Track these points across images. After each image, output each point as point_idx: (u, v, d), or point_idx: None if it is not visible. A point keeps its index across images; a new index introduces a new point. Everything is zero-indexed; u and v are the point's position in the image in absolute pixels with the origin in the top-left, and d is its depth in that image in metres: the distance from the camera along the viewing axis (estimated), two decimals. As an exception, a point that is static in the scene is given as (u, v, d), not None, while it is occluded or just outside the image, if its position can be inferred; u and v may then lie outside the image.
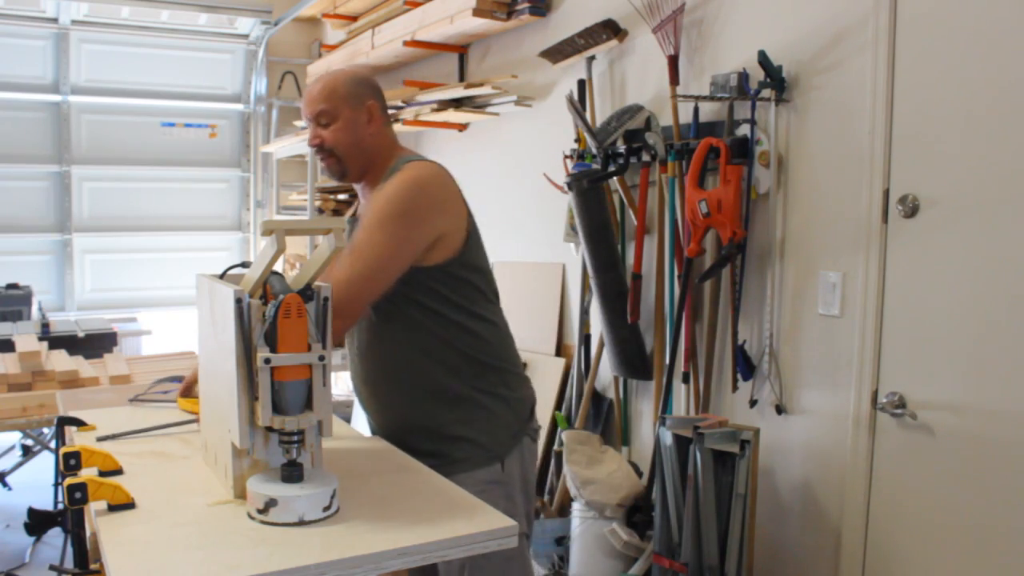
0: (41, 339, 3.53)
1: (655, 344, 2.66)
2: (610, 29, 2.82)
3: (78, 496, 1.38)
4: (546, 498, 3.13)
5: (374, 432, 1.87)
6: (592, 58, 2.96)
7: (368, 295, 1.63)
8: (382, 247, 1.61)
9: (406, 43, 3.83)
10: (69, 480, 1.44)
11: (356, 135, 1.75)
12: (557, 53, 3.07)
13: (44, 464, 3.80)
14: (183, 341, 4.21)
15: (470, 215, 1.74)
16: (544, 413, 3.18)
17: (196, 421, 1.87)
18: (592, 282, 2.77)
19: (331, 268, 1.54)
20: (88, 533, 1.41)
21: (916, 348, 1.96)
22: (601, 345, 2.90)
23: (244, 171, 5.80)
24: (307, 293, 1.42)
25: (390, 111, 3.97)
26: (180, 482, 1.58)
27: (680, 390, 2.58)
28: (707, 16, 2.51)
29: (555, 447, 3.04)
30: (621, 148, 2.69)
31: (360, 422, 4.45)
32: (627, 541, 2.44)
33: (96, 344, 3.84)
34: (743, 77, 2.31)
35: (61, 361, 3.16)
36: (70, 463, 1.52)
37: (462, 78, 3.90)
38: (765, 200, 2.32)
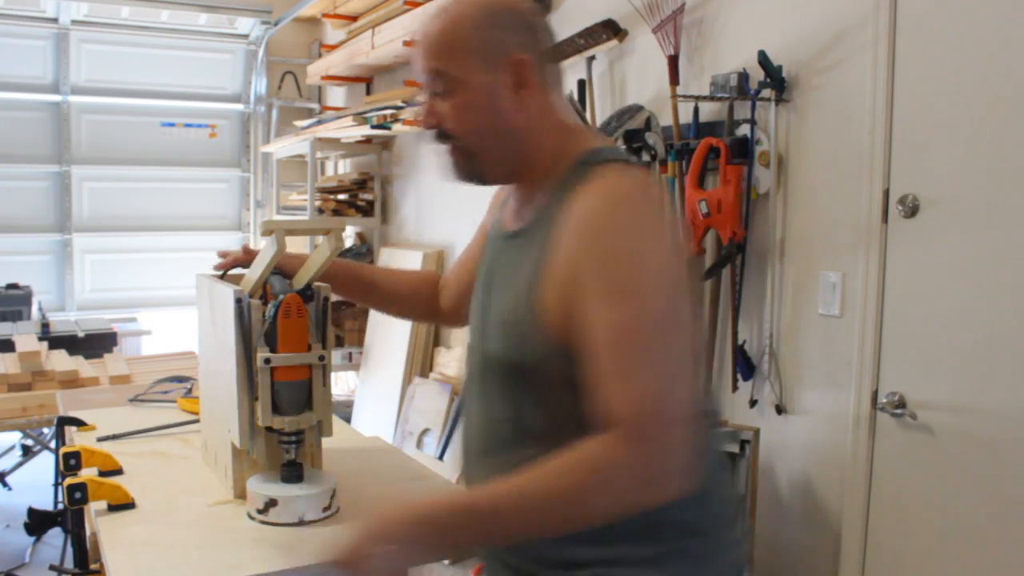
0: (41, 339, 3.53)
1: (655, 344, 2.66)
2: (610, 29, 2.82)
3: (78, 496, 1.39)
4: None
5: None
6: (592, 58, 2.96)
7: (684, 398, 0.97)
8: (668, 322, 0.98)
9: (406, 43, 3.83)
10: (69, 480, 1.44)
11: (494, 113, 1.10)
12: (557, 53, 3.07)
13: (44, 464, 3.80)
14: (183, 341, 4.21)
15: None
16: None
17: (196, 421, 1.87)
18: (592, 282, 2.76)
19: (604, 390, 0.96)
20: (88, 533, 1.41)
21: (916, 348, 1.96)
22: (601, 345, 2.89)
23: (244, 171, 5.80)
24: (307, 293, 1.42)
25: (384, 111, 3.99)
26: (180, 482, 1.58)
27: (680, 390, 2.57)
28: (707, 16, 2.51)
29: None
30: (621, 147, 2.69)
31: (360, 421, 4.46)
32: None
33: (96, 344, 3.84)
34: (743, 77, 2.31)
35: (61, 361, 3.16)
36: (70, 463, 1.52)
37: (462, 78, 3.90)
38: (765, 200, 2.32)
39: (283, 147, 5.08)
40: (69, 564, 3.05)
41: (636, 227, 0.98)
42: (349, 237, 5.03)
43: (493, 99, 1.09)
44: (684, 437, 0.92)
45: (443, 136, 1.13)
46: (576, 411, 0.99)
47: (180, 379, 2.40)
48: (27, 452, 3.82)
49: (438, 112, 1.13)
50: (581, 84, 2.99)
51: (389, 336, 4.34)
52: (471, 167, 1.14)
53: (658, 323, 0.95)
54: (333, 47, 4.86)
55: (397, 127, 4.04)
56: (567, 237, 1.01)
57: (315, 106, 5.73)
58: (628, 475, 0.92)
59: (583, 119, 2.79)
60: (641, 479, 0.92)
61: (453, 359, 3.98)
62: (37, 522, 2.98)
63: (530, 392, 1.06)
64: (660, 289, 0.97)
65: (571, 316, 0.99)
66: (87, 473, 1.53)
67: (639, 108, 2.65)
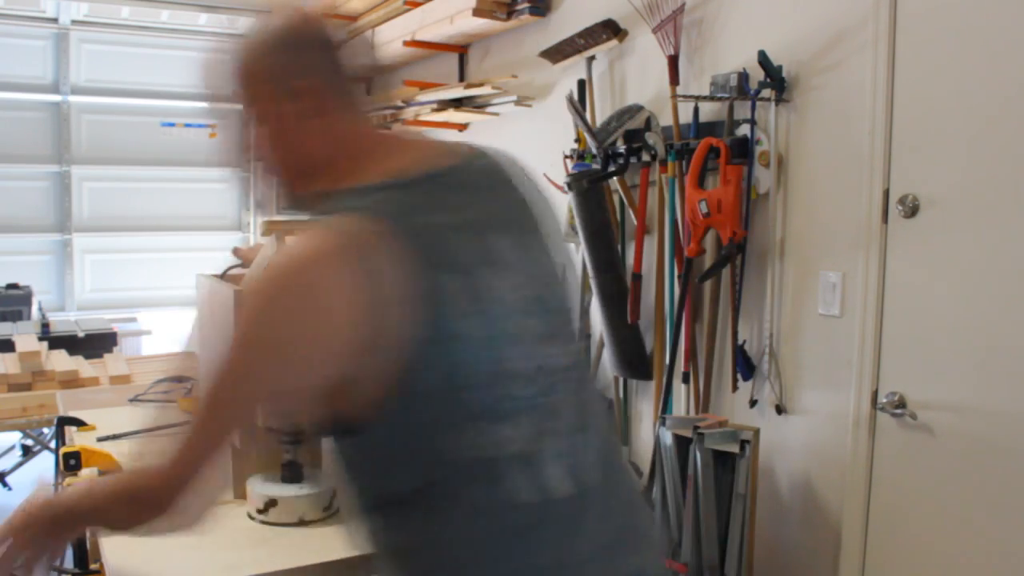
0: (41, 339, 3.53)
1: (655, 344, 2.66)
2: (610, 29, 2.82)
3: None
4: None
5: None
6: (592, 58, 2.96)
7: None
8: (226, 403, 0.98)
9: (406, 43, 3.83)
10: (69, 480, 1.44)
11: (279, 142, 1.06)
12: (557, 53, 3.07)
13: (44, 464, 3.80)
14: (183, 341, 4.20)
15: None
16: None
17: None
18: (592, 282, 2.77)
19: None
20: (88, 533, 1.40)
21: (916, 348, 1.96)
22: (601, 345, 2.90)
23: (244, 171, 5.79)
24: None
25: (384, 111, 4.00)
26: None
27: (680, 390, 2.58)
28: (707, 16, 2.51)
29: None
30: (621, 148, 2.69)
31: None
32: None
33: (96, 344, 3.84)
34: (743, 77, 2.31)
35: (61, 361, 3.16)
36: (70, 463, 1.52)
37: (462, 78, 3.90)
38: (765, 200, 2.32)
39: (283, 147, 5.07)
40: (69, 564, 3.05)
41: (255, 301, 0.91)
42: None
43: (274, 127, 1.05)
44: (200, 485, 0.95)
45: (242, 166, 1.12)
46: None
47: (180, 379, 2.40)
48: (27, 452, 3.82)
49: (242, 143, 1.10)
50: (581, 84, 2.99)
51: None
52: (281, 195, 1.11)
53: (217, 401, 0.93)
54: (333, 47, 4.85)
55: (397, 127, 4.04)
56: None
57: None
58: (147, 508, 0.98)
59: (583, 119, 2.79)
60: (151, 518, 0.98)
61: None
62: (37, 522, 2.98)
63: None
64: (236, 371, 0.91)
65: None
66: (87, 473, 1.53)
67: (639, 108, 2.65)
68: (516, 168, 1.12)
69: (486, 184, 1.06)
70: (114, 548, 1.28)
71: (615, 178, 2.73)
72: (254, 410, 0.97)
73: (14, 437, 3.94)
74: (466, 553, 0.95)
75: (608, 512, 1.01)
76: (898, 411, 1.99)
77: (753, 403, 2.36)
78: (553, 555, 0.95)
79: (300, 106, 1.03)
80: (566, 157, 2.99)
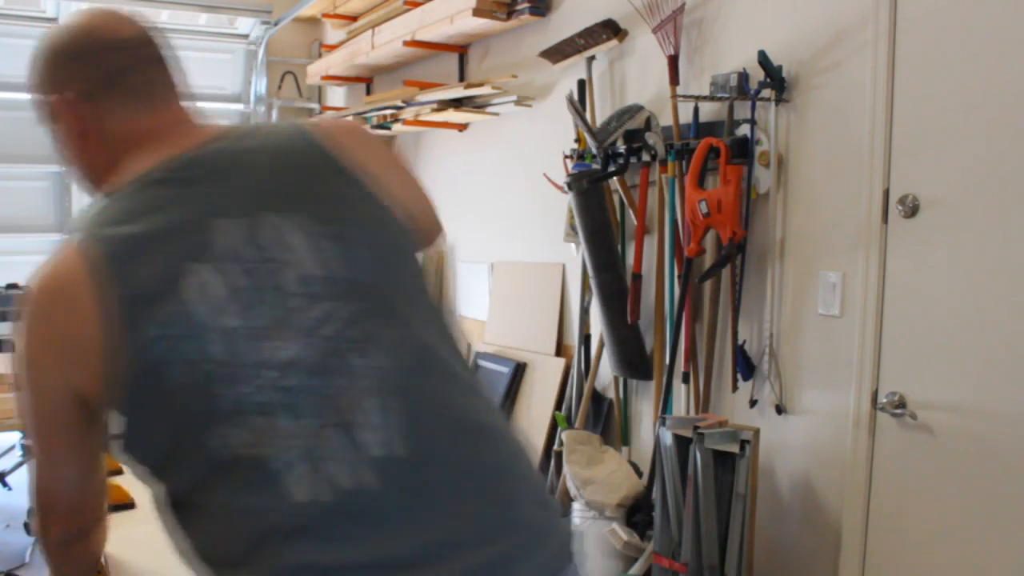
0: (41, 339, 3.53)
1: (655, 344, 2.66)
2: (610, 29, 2.82)
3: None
4: (546, 498, 3.13)
5: None
6: (592, 58, 2.96)
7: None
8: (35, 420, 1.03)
9: (406, 43, 3.83)
10: None
11: (61, 151, 1.10)
12: (557, 53, 3.07)
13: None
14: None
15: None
16: (544, 413, 3.18)
17: None
18: (592, 282, 2.77)
19: None
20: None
21: (916, 348, 1.96)
22: (601, 345, 2.90)
23: (244, 171, 5.80)
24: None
25: (384, 111, 4.00)
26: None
27: (680, 390, 2.58)
28: (707, 16, 2.51)
29: (555, 447, 3.04)
30: (621, 148, 2.69)
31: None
32: (627, 541, 2.44)
33: (96, 344, 3.84)
34: (743, 77, 2.31)
35: (61, 361, 3.15)
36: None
37: (462, 78, 3.90)
38: (765, 200, 2.32)
39: (283, 147, 5.07)
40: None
41: (20, 335, 0.96)
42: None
43: (59, 139, 1.08)
44: (65, 518, 1.07)
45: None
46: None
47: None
48: (27, 452, 3.81)
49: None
50: (581, 84, 2.99)
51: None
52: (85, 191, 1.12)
53: (34, 429, 0.99)
54: (333, 47, 4.86)
55: (397, 127, 4.04)
56: None
57: (315, 106, 5.74)
58: (40, 538, 1.10)
59: (583, 119, 2.79)
60: (42, 542, 1.10)
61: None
62: (37, 522, 2.98)
63: None
64: (30, 395, 0.96)
65: None
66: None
67: (639, 108, 2.65)
68: (306, 143, 1.04)
69: (221, 169, 1.00)
70: (114, 548, 1.28)
71: (615, 178, 2.73)
72: (58, 447, 1.00)
73: (14, 437, 3.94)
74: (226, 557, 0.92)
75: (414, 514, 0.90)
76: (898, 411, 1.99)
77: (753, 403, 2.36)
78: (301, 562, 0.88)
79: (62, 117, 1.05)
80: (566, 157, 2.99)
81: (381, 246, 1.00)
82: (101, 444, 1.00)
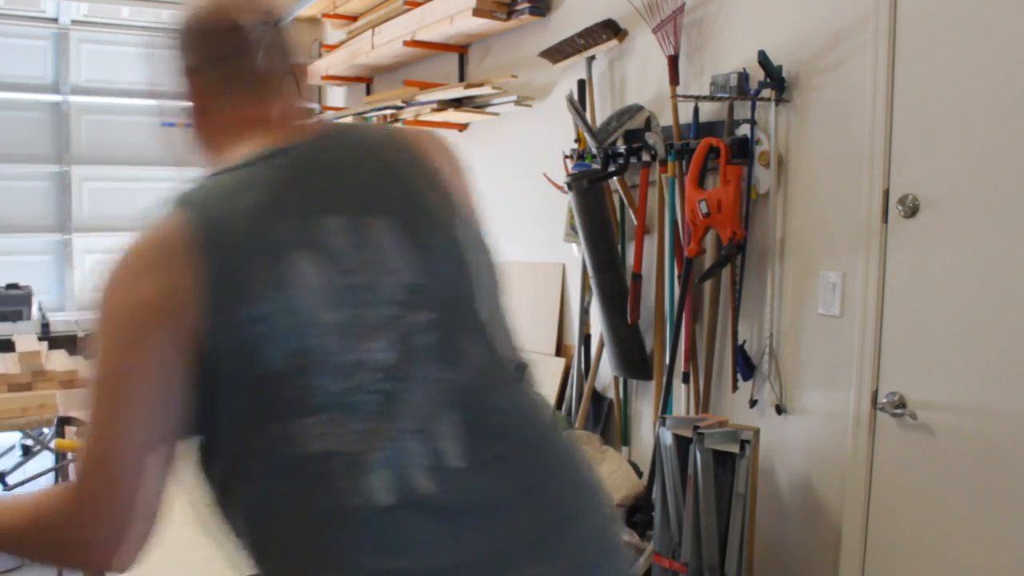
0: (41, 339, 3.54)
1: (655, 344, 2.66)
2: (610, 29, 2.82)
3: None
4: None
5: None
6: (592, 58, 2.96)
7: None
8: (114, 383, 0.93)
9: (406, 43, 3.83)
10: (59, 442, 1.45)
11: (188, 127, 1.14)
12: (557, 53, 3.07)
13: (44, 464, 3.80)
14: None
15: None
16: (544, 413, 3.17)
17: None
18: (592, 282, 2.77)
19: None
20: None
21: (916, 348, 1.96)
22: (601, 345, 2.90)
23: (244, 171, 5.80)
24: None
25: (384, 111, 3.99)
26: (180, 482, 1.57)
27: (680, 390, 2.58)
28: (707, 16, 2.51)
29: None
30: (621, 148, 2.69)
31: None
32: (627, 541, 2.44)
33: (96, 344, 3.84)
34: (743, 77, 2.31)
35: (61, 361, 3.16)
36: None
37: (462, 78, 3.90)
38: (765, 200, 2.32)
39: (283, 147, 5.07)
40: (69, 564, 3.05)
41: (107, 290, 0.92)
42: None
43: (179, 112, 1.12)
44: (124, 514, 0.88)
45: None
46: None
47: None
48: (27, 452, 3.82)
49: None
50: (581, 84, 2.99)
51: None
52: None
53: (105, 383, 0.89)
54: (333, 47, 4.86)
55: (397, 127, 4.04)
56: None
57: (315, 106, 5.73)
58: (64, 528, 0.89)
59: (583, 119, 2.79)
60: (75, 538, 0.89)
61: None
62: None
63: None
64: (111, 349, 0.89)
65: None
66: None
67: (639, 108, 2.65)
68: (400, 143, 1.07)
69: (331, 163, 1.01)
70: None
71: (615, 178, 2.73)
72: (132, 404, 0.89)
73: (14, 437, 3.94)
74: (289, 550, 0.90)
75: (476, 524, 0.91)
76: (898, 411, 1.99)
77: (753, 403, 2.36)
78: (363, 565, 0.87)
79: (189, 95, 1.08)
80: (566, 157, 2.99)
81: (466, 262, 1.01)
82: (176, 429, 0.92)
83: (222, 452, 0.93)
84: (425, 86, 3.83)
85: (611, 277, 2.71)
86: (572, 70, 3.09)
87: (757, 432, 2.13)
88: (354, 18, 4.80)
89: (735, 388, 2.40)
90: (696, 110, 2.48)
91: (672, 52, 2.52)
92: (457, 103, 3.59)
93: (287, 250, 0.91)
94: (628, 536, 2.45)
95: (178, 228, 0.91)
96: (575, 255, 3.10)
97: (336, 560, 0.88)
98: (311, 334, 0.89)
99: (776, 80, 2.22)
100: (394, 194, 1.00)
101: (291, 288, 0.89)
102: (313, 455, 0.88)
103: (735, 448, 2.10)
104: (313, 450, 0.88)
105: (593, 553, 0.98)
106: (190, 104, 1.08)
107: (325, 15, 4.91)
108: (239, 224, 0.92)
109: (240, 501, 0.93)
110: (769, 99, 2.26)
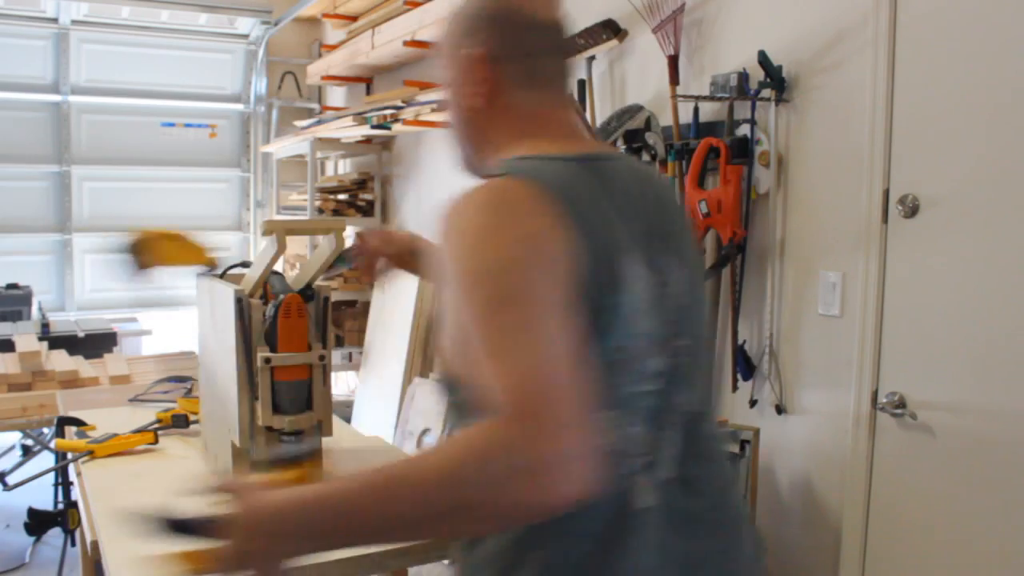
0: (41, 339, 3.53)
1: (655, 344, 2.66)
2: (610, 29, 2.82)
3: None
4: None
5: None
6: (592, 58, 2.96)
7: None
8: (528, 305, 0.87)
9: (406, 43, 3.83)
10: (59, 442, 1.44)
11: (457, 107, 1.12)
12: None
13: (44, 464, 3.80)
14: (183, 341, 4.21)
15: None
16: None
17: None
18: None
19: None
20: (89, 539, 1.40)
21: (916, 348, 1.96)
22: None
23: (244, 171, 5.80)
24: (307, 293, 1.43)
25: (384, 111, 3.99)
26: (180, 482, 1.57)
27: (680, 390, 2.57)
28: (707, 16, 2.51)
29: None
30: (621, 148, 2.69)
31: (360, 421, 4.46)
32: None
33: (96, 344, 3.84)
34: (743, 77, 2.31)
35: (61, 361, 3.16)
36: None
37: (462, 78, 3.90)
38: (765, 200, 2.32)
39: (283, 147, 5.08)
40: (68, 565, 3.05)
41: (477, 225, 0.90)
42: (349, 237, 5.02)
43: (453, 91, 1.11)
44: (576, 420, 0.77)
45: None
46: None
47: (180, 379, 2.40)
48: (27, 452, 3.82)
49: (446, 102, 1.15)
50: (581, 84, 2.99)
51: (389, 336, 4.34)
52: (456, 155, 1.16)
53: (517, 305, 0.83)
54: (333, 47, 4.86)
55: (397, 127, 4.04)
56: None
57: (315, 106, 5.74)
58: (506, 454, 0.74)
59: (583, 119, 2.79)
60: (523, 461, 0.74)
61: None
62: (37, 522, 2.99)
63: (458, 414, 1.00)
64: (512, 275, 0.85)
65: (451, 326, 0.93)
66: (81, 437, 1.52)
67: (639, 108, 2.65)
68: (661, 181, 1.17)
69: (633, 181, 1.05)
70: (115, 548, 1.28)
71: (615, 178, 2.73)
72: (543, 317, 0.83)
73: (14, 437, 3.94)
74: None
75: (687, 532, 0.97)
76: (898, 411, 1.99)
77: (753, 403, 2.37)
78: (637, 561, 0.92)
79: (468, 76, 1.06)
80: (566, 157, 2.99)
81: (703, 294, 1.11)
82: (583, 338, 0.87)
83: None
84: (425, 86, 3.83)
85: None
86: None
87: (757, 432, 2.13)
88: (354, 18, 4.80)
89: (735, 388, 2.40)
90: (696, 110, 2.48)
91: (672, 52, 2.52)
92: (457, 103, 3.58)
93: (627, 251, 0.94)
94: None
95: (539, 190, 0.91)
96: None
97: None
98: (630, 335, 0.93)
99: (776, 80, 2.23)
100: (673, 228, 1.06)
101: (628, 290, 0.93)
102: (625, 451, 0.92)
103: (735, 448, 2.10)
104: (627, 447, 0.92)
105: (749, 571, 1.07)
106: (470, 88, 1.07)
107: (325, 15, 4.92)
108: (589, 210, 0.93)
109: None
110: (769, 99, 2.26)
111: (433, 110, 3.67)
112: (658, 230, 1.02)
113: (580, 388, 0.79)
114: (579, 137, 1.11)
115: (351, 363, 4.68)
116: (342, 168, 5.41)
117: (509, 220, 0.89)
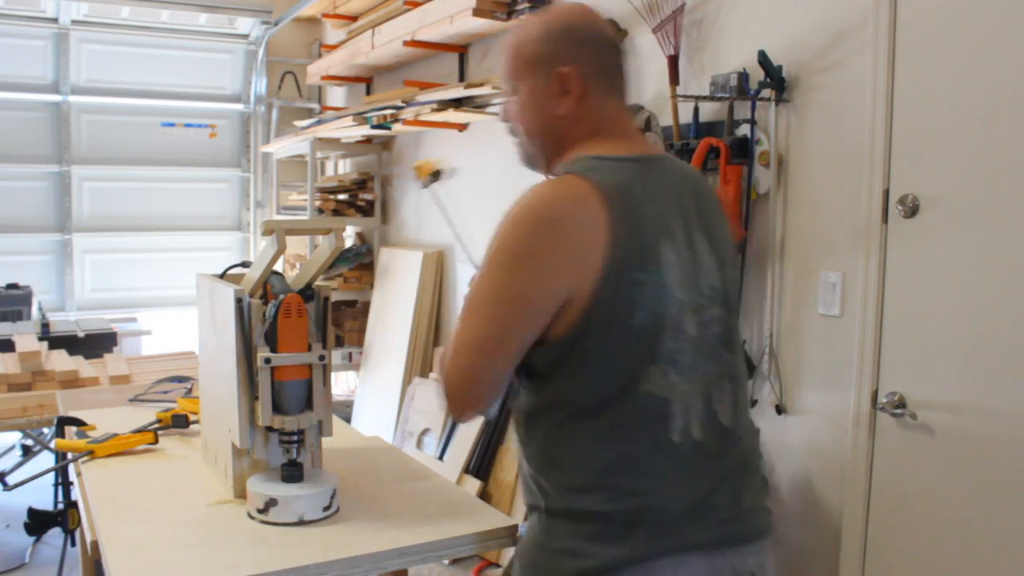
0: (41, 339, 3.53)
1: (655, 344, 2.66)
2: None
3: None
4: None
5: None
6: (592, 58, 2.95)
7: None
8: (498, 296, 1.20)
9: (406, 43, 3.83)
10: (59, 442, 1.44)
11: (538, 114, 1.29)
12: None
13: (44, 464, 3.80)
14: (183, 341, 4.21)
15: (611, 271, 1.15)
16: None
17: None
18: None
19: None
20: (89, 539, 1.40)
21: (916, 348, 1.96)
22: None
23: (244, 171, 5.80)
24: (307, 293, 1.43)
25: (384, 111, 3.99)
26: (180, 482, 1.58)
27: (680, 390, 2.57)
28: (707, 16, 2.51)
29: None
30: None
31: (360, 421, 4.46)
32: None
33: (96, 344, 3.85)
34: (743, 77, 2.31)
35: (61, 361, 3.16)
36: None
37: (462, 78, 3.91)
38: (765, 200, 2.32)
39: (283, 147, 5.08)
40: (68, 565, 3.06)
41: (511, 226, 1.18)
42: (349, 237, 5.03)
43: (539, 102, 1.28)
44: (469, 388, 1.19)
45: (511, 130, 1.36)
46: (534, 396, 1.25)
47: (180, 379, 2.40)
48: (27, 452, 3.82)
49: (509, 110, 1.34)
50: (581, 84, 2.99)
51: (389, 336, 4.34)
52: (524, 155, 1.37)
53: (490, 295, 1.18)
54: (333, 47, 4.86)
55: (397, 127, 4.04)
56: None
57: (315, 106, 5.74)
58: (441, 394, 1.23)
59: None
60: (444, 401, 1.23)
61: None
62: (37, 522, 2.99)
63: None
64: (504, 271, 1.17)
65: None
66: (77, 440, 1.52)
67: (639, 108, 2.65)
68: (699, 177, 1.37)
69: (677, 178, 1.28)
70: (114, 548, 1.29)
71: (615, 178, 2.73)
72: (514, 310, 1.17)
73: (14, 437, 3.94)
74: (597, 466, 1.18)
75: (718, 473, 1.23)
76: (898, 411, 1.99)
77: (753, 403, 2.37)
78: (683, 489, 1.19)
79: (555, 87, 1.26)
80: (566, 157, 2.99)
81: (733, 271, 1.33)
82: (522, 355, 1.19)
83: (571, 376, 1.18)
84: (425, 86, 3.83)
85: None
86: (572, 70, 3.09)
87: (757, 432, 2.13)
88: (354, 18, 4.80)
89: (735, 388, 2.40)
90: (696, 110, 2.48)
91: (672, 52, 2.52)
92: (457, 103, 3.59)
93: (663, 236, 1.19)
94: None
95: (588, 188, 1.16)
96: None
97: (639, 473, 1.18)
98: (669, 302, 1.17)
99: (776, 80, 2.23)
100: (706, 215, 1.28)
101: (663, 263, 1.18)
102: (640, 394, 1.16)
103: (735, 448, 2.11)
104: (642, 390, 1.16)
105: (763, 516, 1.30)
106: (572, 100, 1.26)
107: (325, 15, 4.91)
108: (638, 204, 1.18)
109: (558, 425, 1.20)
110: (769, 99, 2.26)
111: (434, 110, 3.67)
112: (695, 217, 1.25)
113: (484, 368, 1.18)
114: (637, 139, 1.33)
115: (351, 363, 4.68)
116: (342, 168, 5.41)
117: (547, 228, 1.16)
